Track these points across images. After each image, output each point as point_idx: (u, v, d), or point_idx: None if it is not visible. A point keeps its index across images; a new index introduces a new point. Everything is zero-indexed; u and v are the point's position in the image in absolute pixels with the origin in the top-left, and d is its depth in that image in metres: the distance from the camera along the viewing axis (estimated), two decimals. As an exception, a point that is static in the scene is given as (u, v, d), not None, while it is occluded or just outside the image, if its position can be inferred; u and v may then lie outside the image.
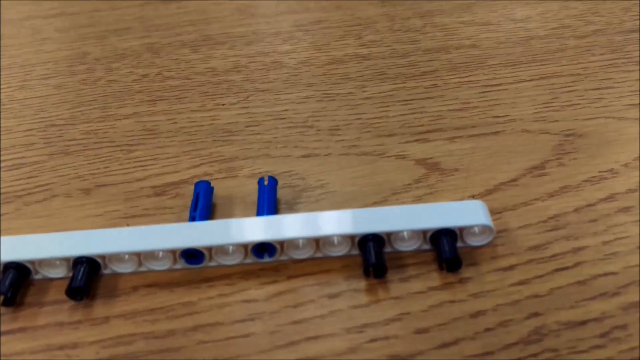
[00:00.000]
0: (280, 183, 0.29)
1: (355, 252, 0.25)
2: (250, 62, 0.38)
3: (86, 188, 0.29)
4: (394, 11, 0.42)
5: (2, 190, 0.29)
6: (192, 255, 0.25)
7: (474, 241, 0.25)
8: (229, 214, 0.27)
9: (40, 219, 0.28)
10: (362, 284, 0.24)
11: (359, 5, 0.43)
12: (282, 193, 0.28)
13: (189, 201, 0.28)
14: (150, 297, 0.24)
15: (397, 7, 0.43)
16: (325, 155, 0.30)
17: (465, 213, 0.25)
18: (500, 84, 0.34)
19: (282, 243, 0.24)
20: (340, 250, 0.25)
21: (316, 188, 0.28)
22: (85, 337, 0.22)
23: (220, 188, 0.29)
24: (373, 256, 0.23)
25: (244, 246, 0.24)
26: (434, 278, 0.24)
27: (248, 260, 0.25)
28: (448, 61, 0.37)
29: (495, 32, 0.39)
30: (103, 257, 0.24)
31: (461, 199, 0.27)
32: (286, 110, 0.33)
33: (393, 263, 0.24)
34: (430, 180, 0.28)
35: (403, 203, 0.27)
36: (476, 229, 0.25)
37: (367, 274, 0.24)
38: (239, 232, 0.24)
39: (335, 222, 0.24)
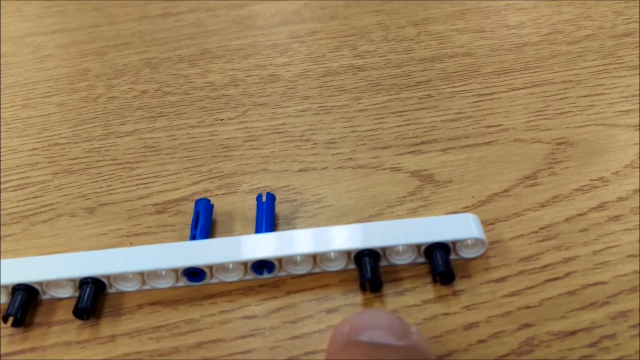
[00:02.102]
0: (278, 198, 0.29)
1: (352, 266, 0.25)
2: (247, 76, 0.39)
3: (90, 207, 0.30)
4: (389, 20, 0.43)
5: (10, 211, 0.30)
6: (194, 273, 0.25)
7: (467, 253, 0.25)
8: (229, 230, 0.28)
9: (46, 239, 0.29)
10: (358, 298, 0.24)
11: (354, 15, 0.44)
12: (280, 208, 0.29)
13: (189, 218, 0.29)
14: (154, 315, 0.25)
15: (392, 15, 0.43)
16: (321, 169, 0.31)
17: (458, 226, 0.25)
18: (493, 93, 0.35)
19: (280, 260, 0.25)
20: (337, 265, 0.25)
21: (313, 202, 0.29)
22: (92, 356, 0.23)
23: (220, 204, 0.29)
24: (369, 272, 0.24)
25: (244, 263, 0.25)
26: (429, 291, 0.24)
27: (248, 277, 0.25)
28: (442, 70, 0.37)
29: (488, 40, 0.40)
30: (108, 277, 0.25)
31: (455, 211, 0.28)
32: (283, 124, 0.34)
33: (388, 277, 0.25)
34: (424, 193, 0.29)
35: (398, 216, 0.28)
36: (469, 242, 0.25)
37: (363, 288, 0.24)
38: (239, 250, 0.25)
39: (332, 238, 0.25)
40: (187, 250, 0.25)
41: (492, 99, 0.34)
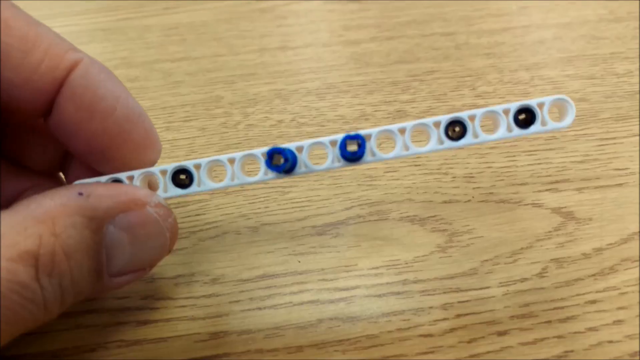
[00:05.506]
0: (428, 227, 0.32)
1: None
2: (375, 111, 0.41)
3: (253, 226, 0.33)
4: (501, 63, 0.46)
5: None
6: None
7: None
8: (391, 254, 0.31)
9: (218, 254, 0.31)
10: (527, 323, 0.27)
11: (466, 56, 0.47)
12: (432, 237, 0.31)
13: (350, 241, 0.31)
14: (336, 330, 0.27)
15: (502, 58, 0.46)
16: (465, 201, 0.33)
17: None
18: (615, 137, 0.37)
19: None
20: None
21: (464, 233, 0.31)
22: (285, 363, 0.26)
23: (374, 229, 0.32)
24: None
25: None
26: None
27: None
28: (562, 114, 0.40)
29: (600, 86, 0.42)
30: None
31: (600, 247, 0.30)
32: (419, 157, 0.37)
33: (550, 305, 0.27)
34: (568, 229, 0.31)
35: (547, 249, 0.30)
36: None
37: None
38: None
39: None
40: None
41: (614, 144, 0.37)
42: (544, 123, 0.25)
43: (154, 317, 0.28)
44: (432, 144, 0.25)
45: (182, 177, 0.26)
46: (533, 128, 0.25)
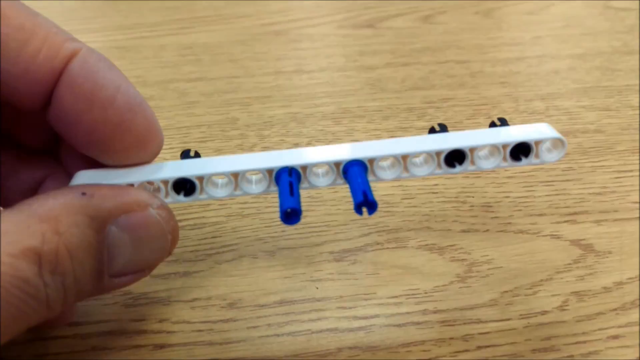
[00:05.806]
0: (447, 256, 0.32)
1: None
2: (391, 137, 0.41)
3: (270, 250, 0.33)
4: (516, 92, 0.46)
5: (193, 248, 0.33)
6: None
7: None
8: (409, 283, 0.30)
9: (235, 278, 0.31)
10: (550, 355, 0.26)
11: (480, 85, 0.47)
12: (452, 266, 0.31)
13: (368, 268, 0.31)
14: (354, 359, 0.27)
15: (518, 88, 0.46)
16: (484, 231, 0.33)
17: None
18: (631, 170, 0.37)
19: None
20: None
21: (483, 263, 0.31)
22: (304, 392, 0.25)
23: (392, 257, 0.32)
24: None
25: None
26: None
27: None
28: (578, 145, 0.40)
29: (616, 118, 0.42)
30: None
31: (620, 281, 0.30)
32: (437, 184, 0.37)
33: (572, 339, 0.27)
34: (588, 261, 0.31)
35: (568, 282, 0.30)
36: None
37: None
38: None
39: None
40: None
41: (632, 176, 0.37)
42: (536, 156, 0.26)
43: (171, 341, 0.28)
44: (431, 168, 0.26)
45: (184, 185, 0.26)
46: (525, 161, 0.26)
